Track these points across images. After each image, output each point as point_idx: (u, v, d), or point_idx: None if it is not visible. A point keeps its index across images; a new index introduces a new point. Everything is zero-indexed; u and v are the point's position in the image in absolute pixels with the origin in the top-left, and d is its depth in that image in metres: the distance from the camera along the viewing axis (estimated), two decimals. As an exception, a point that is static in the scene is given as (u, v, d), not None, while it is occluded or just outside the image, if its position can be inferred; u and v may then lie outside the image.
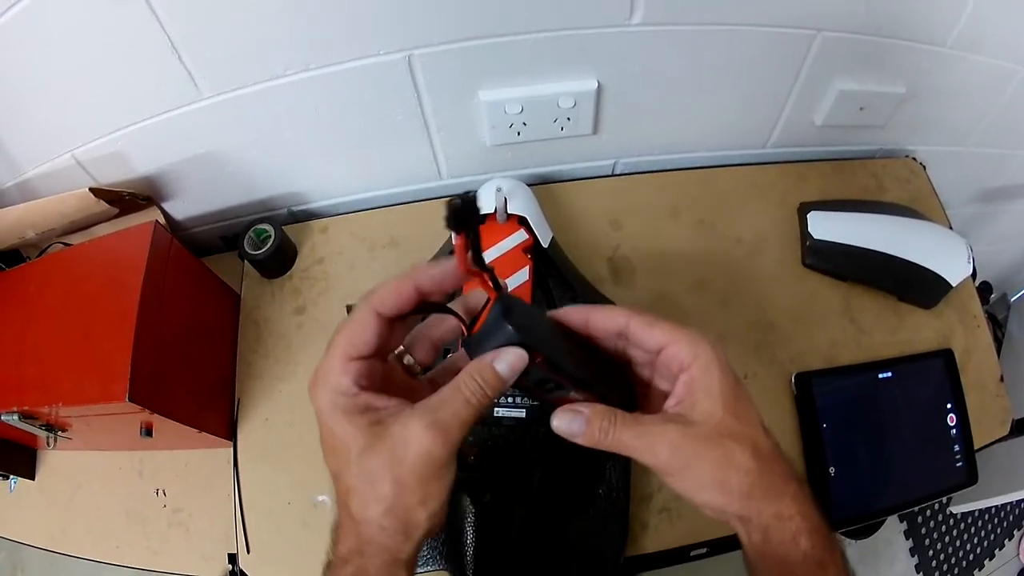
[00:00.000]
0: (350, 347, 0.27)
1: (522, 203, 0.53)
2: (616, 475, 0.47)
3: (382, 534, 0.26)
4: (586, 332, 0.31)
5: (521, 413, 0.48)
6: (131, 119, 0.50)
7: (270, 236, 0.57)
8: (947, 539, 1.12)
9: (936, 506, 1.10)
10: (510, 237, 0.52)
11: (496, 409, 0.48)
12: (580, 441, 0.28)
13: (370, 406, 0.27)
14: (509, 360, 0.27)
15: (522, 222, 0.53)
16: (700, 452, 0.28)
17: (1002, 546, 1.14)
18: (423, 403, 0.27)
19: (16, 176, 0.55)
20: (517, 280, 0.50)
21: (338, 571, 0.27)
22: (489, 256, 0.51)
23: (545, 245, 0.53)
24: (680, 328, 0.29)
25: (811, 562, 0.29)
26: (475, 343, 0.27)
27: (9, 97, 0.48)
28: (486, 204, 0.52)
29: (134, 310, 0.45)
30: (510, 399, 0.49)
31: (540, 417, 0.48)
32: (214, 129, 0.52)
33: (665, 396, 0.30)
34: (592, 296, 0.55)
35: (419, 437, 0.26)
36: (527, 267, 0.51)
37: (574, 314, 0.30)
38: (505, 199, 0.51)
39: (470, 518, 0.44)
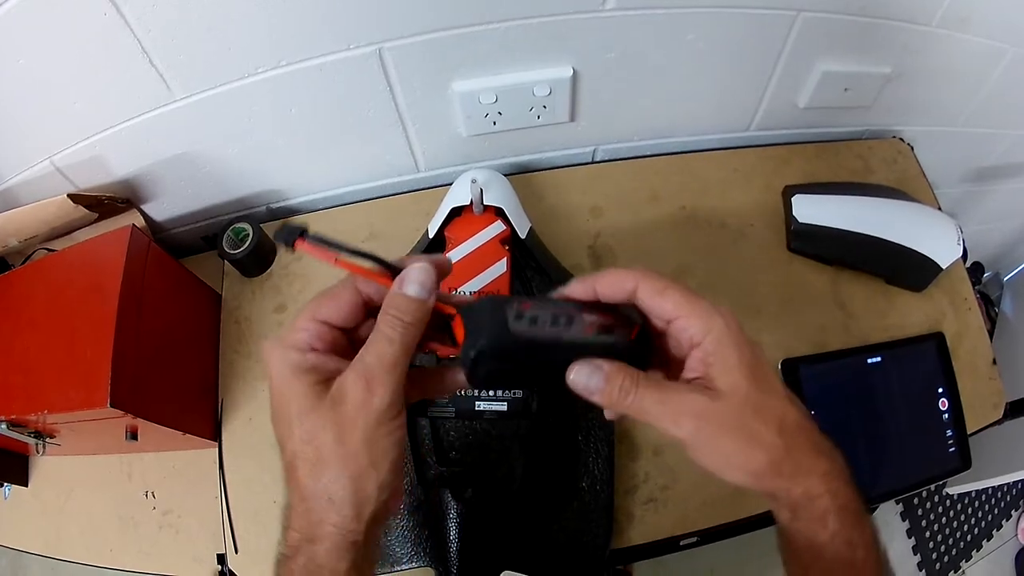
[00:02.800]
0: (317, 310, 0.26)
1: (498, 194, 0.52)
2: (599, 468, 0.47)
3: (330, 509, 0.24)
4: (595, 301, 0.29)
5: (503, 406, 0.48)
6: (106, 123, 0.50)
7: (248, 235, 0.57)
8: (943, 520, 1.11)
9: (932, 487, 1.09)
10: (487, 228, 0.51)
11: (477, 403, 0.48)
12: (596, 399, 0.26)
13: (318, 367, 0.25)
14: (415, 278, 0.26)
15: (499, 213, 0.52)
16: (724, 427, 0.26)
17: (999, 527, 1.13)
18: (356, 357, 0.25)
19: (-4, 184, 0.55)
20: (495, 272, 0.50)
21: (290, 564, 0.25)
22: (466, 248, 0.51)
23: (523, 235, 0.52)
24: (692, 300, 0.27)
25: (839, 541, 0.27)
26: (470, 353, 0.25)
27: (-17, 106, 0.48)
28: (462, 196, 0.51)
29: (113, 315, 0.46)
30: (491, 392, 0.48)
31: (522, 410, 0.48)
32: (189, 130, 0.52)
33: (681, 363, 0.28)
34: None
35: (352, 388, 0.24)
36: (505, 258, 0.50)
37: (580, 286, 0.28)
38: (481, 190, 0.50)
39: (452, 514, 0.43)
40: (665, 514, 0.51)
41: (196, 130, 0.52)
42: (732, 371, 0.26)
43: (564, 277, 0.54)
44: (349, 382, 0.25)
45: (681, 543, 0.53)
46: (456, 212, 0.53)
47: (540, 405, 0.46)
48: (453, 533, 0.43)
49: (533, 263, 0.53)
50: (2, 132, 0.50)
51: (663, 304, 0.27)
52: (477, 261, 0.50)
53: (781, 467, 0.27)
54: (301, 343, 0.26)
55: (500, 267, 0.50)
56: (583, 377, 0.26)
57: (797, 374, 0.55)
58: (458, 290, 0.49)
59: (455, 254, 0.51)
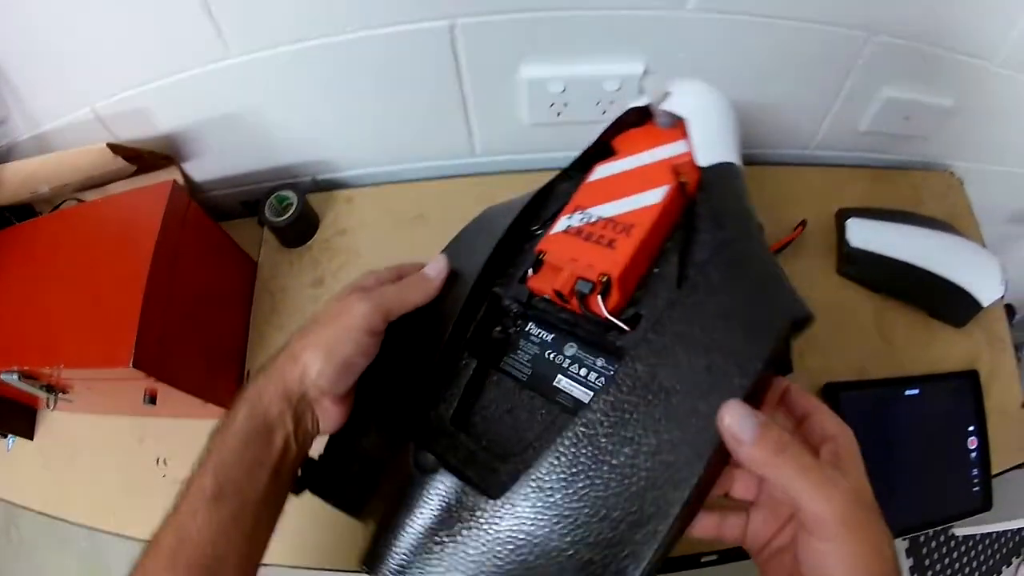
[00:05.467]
0: (390, 299, 0.35)
1: (697, 104, 0.36)
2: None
3: (289, 364, 0.32)
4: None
5: (586, 396, 0.33)
6: (155, 75, 0.49)
7: (292, 203, 0.55)
8: (946, 561, 1.11)
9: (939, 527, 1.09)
10: (664, 146, 0.36)
11: (560, 377, 0.34)
12: (743, 451, 0.25)
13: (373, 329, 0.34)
14: (435, 266, 0.36)
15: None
16: (856, 524, 0.24)
17: (999, 572, 1.13)
18: (374, 291, 0.34)
19: (33, 129, 0.54)
20: (643, 200, 0.33)
21: (242, 395, 0.32)
22: (626, 165, 0.37)
23: (703, 163, 0.34)
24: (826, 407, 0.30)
25: None
26: None
27: (29, 47, 0.46)
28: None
29: (144, 273, 0.44)
30: (581, 372, 0.33)
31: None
32: (241, 90, 0.51)
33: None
34: (762, 260, 0.32)
35: (354, 299, 0.33)
36: (666, 187, 0.33)
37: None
38: (666, 94, 0.36)
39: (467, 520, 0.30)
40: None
41: (248, 91, 0.51)
42: (858, 470, 0.27)
43: (745, 234, 0.32)
44: (355, 297, 0.33)
45: (702, 560, 0.52)
46: (645, 117, 0.38)
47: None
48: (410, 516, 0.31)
49: (709, 207, 0.33)
50: (44, 75, 0.49)
51: (807, 401, 0.30)
52: (631, 181, 0.35)
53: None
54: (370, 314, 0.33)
55: (653, 196, 0.33)
56: (737, 419, 0.26)
57: (838, 398, 0.54)
58: (587, 210, 0.35)
59: (607, 168, 0.37)
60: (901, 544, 1.08)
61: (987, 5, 0.51)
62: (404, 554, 0.31)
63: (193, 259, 0.50)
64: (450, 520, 0.30)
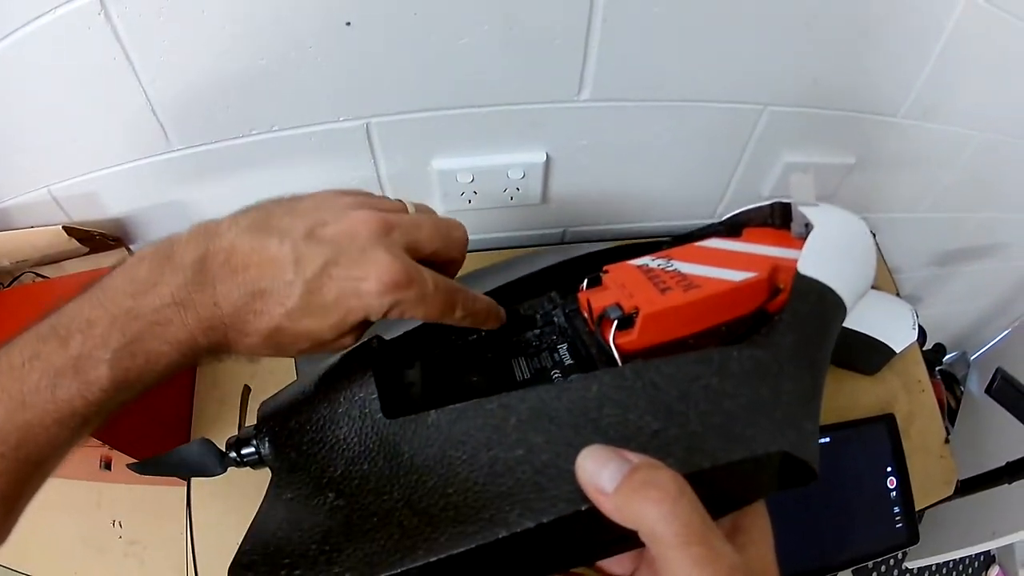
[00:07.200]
0: (425, 235, 0.30)
1: (832, 223, 0.33)
2: None
3: (267, 356, 0.27)
4: None
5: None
6: (105, 163, 0.53)
7: (230, 285, 0.59)
8: (904, 593, 1.12)
9: (891, 562, 1.10)
10: (779, 247, 0.34)
11: (554, 373, 0.32)
12: (607, 504, 0.19)
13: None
14: (493, 310, 0.31)
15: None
16: None
17: (961, 598, 1.14)
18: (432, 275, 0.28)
19: (-5, 204, 0.58)
20: (723, 274, 0.31)
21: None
22: (740, 247, 0.35)
23: (804, 272, 0.30)
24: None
25: None
26: None
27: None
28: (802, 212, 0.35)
29: (96, 350, 0.48)
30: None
31: None
32: (182, 180, 0.55)
33: None
34: (802, 395, 0.28)
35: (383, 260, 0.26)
36: (754, 274, 0.31)
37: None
38: (814, 205, 0.34)
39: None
40: None
41: (189, 181, 0.55)
42: (755, 539, 0.23)
43: (801, 361, 0.28)
44: (381, 254, 0.26)
45: None
46: (784, 216, 0.36)
47: None
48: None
49: (783, 320, 0.29)
50: (4, 156, 0.53)
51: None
52: (729, 259, 0.33)
53: None
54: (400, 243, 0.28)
55: (735, 275, 0.31)
56: (594, 464, 0.20)
57: (745, 452, 0.57)
58: (671, 260, 0.34)
59: (720, 243, 0.37)
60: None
61: (883, 66, 0.54)
62: (293, 417, 0.30)
63: (140, 336, 0.54)
64: (339, 406, 0.29)
